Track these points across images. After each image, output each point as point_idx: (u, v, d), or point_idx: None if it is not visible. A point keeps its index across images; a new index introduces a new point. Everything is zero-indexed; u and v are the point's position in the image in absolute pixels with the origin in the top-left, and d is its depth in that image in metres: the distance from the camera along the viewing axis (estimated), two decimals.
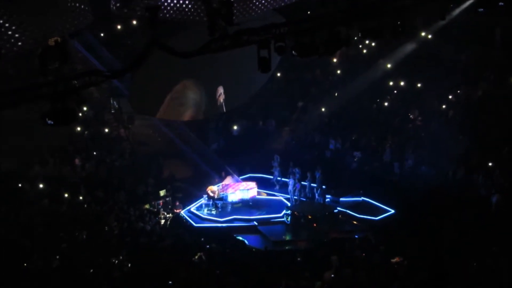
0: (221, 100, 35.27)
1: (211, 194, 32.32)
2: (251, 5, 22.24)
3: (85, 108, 35.83)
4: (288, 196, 33.12)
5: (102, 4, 20.95)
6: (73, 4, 17.73)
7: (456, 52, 38.26)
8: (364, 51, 41.31)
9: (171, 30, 28.71)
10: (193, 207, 32.45)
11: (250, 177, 35.15)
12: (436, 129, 34.54)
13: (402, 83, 39.28)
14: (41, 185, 31.82)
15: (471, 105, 36.17)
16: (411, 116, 37.42)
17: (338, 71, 41.41)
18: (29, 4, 16.77)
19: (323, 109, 39.65)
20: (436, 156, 33.03)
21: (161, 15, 19.89)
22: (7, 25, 16.20)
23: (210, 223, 31.34)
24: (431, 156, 33.43)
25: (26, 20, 16.56)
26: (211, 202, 32.25)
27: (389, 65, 39.23)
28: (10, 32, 16.24)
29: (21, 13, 16.47)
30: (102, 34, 41.85)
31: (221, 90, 34.87)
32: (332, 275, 23.62)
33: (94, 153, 35.66)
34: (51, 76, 16.37)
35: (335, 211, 31.51)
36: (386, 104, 39.31)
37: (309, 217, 30.66)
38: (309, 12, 30.60)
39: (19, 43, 16.41)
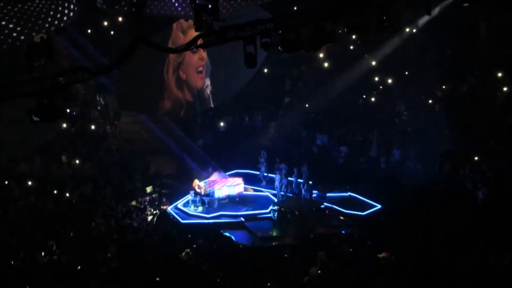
0: (208, 92, 35.28)
1: (198, 190, 32.21)
2: (237, 0, 22.28)
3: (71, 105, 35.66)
4: (275, 192, 33.01)
5: (88, 0, 20.90)
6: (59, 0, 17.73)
7: (442, 47, 38.38)
8: (351, 47, 41.32)
9: (158, 26, 28.71)
10: (179, 203, 32.28)
11: (236, 173, 35.04)
12: (423, 123, 34.61)
13: (388, 79, 39.35)
14: (27, 182, 31.69)
15: (457, 100, 36.32)
16: (397, 111, 37.50)
17: (325, 65, 41.34)
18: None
19: (308, 105, 39.65)
20: (423, 150, 33.15)
21: (147, 11, 19.89)
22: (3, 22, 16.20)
23: (197, 219, 31.17)
24: (418, 151, 33.55)
25: (12, 16, 16.53)
26: (197, 198, 32.09)
27: (374, 62, 39.30)
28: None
29: (6, 9, 16.43)
30: (88, 31, 41.64)
31: (208, 82, 34.89)
32: (319, 271, 23.69)
33: (81, 150, 35.44)
34: (37, 73, 16.33)
35: (322, 206, 31.50)
36: (372, 99, 39.39)
37: (296, 212, 30.63)
38: (295, 8, 30.60)
39: (7, 39, 16.38)
